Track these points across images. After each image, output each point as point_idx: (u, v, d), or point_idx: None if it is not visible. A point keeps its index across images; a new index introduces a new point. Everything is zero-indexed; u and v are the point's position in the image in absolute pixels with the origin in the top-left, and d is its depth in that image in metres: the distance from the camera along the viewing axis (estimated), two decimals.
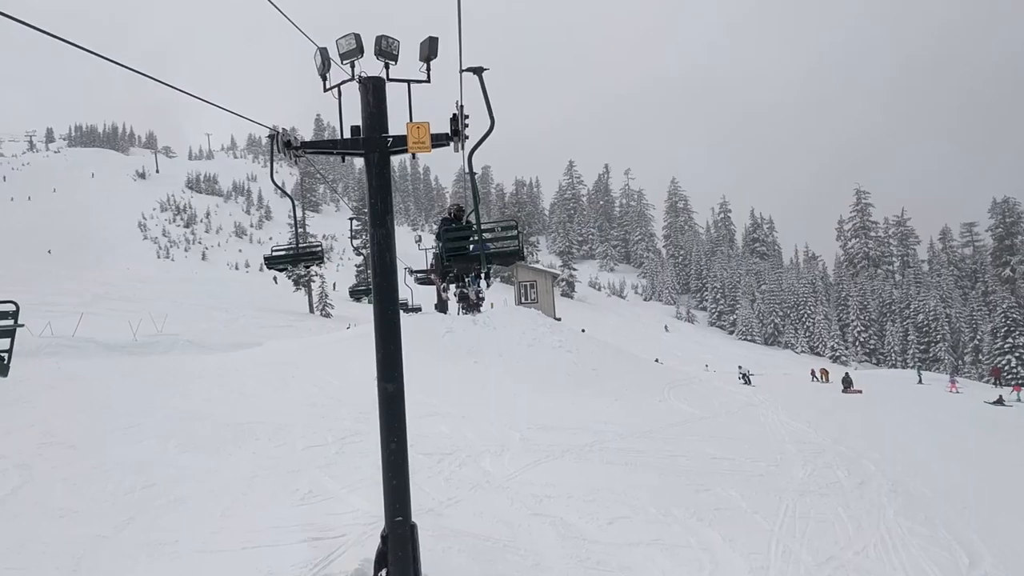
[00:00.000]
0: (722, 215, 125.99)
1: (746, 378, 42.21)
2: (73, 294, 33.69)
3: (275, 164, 7.46)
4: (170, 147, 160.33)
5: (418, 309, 27.17)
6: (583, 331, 28.65)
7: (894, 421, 22.67)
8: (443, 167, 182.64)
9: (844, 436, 16.78)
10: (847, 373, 29.43)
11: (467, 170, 6.07)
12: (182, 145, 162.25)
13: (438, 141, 7.03)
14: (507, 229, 6.13)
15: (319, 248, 7.61)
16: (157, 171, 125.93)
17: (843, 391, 28.57)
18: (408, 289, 25.62)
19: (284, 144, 6.99)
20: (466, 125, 7.08)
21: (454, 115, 6.97)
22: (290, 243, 7.91)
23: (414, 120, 7.04)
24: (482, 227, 5.92)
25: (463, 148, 7.19)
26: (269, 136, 6.96)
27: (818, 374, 37.26)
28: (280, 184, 8.37)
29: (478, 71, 5.45)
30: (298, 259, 7.60)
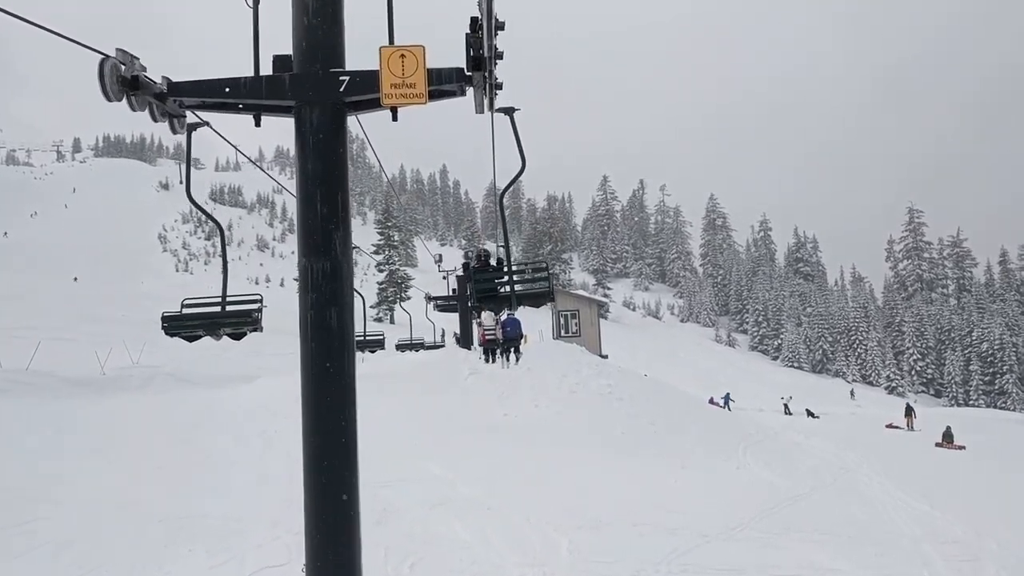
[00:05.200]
0: (762, 233, 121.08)
1: (809, 413, 38.53)
2: (57, 316, 30.58)
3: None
4: (199, 158, 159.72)
5: (420, 345, 22.36)
6: (645, 376, 24.37)
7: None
8: (473, 182, 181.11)
9: (981, 520, 13.06)
10: (948, 427, 24.92)
11: (497, 210, 5.65)
12: (210, 156, 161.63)
13: (443, 84, 3.54)
14: (537, 271, 5.70)
15: None
16: (181, 182, 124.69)
17: (938, 444, 24.17)
18: (407, 314, 21.96)
19: (125, 83, 3.36)
20: (500, 54, 3.50)
21: (473, 29, 3.43)
22: None
23: (396, 43, 3.60)
24: (512, 268, 5.24)
25: (490, 103, 3.76)
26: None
27: (902, 423, 32.59)
28: None
29: (509, 112, 4.39)
30: None
